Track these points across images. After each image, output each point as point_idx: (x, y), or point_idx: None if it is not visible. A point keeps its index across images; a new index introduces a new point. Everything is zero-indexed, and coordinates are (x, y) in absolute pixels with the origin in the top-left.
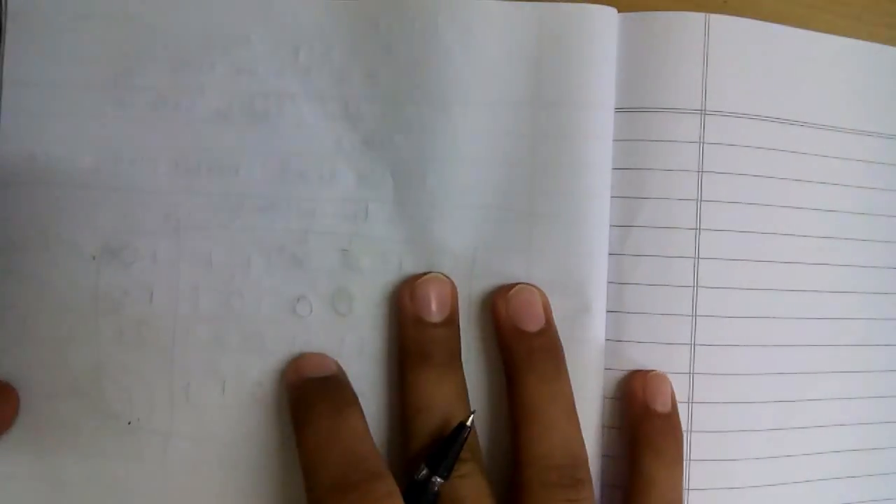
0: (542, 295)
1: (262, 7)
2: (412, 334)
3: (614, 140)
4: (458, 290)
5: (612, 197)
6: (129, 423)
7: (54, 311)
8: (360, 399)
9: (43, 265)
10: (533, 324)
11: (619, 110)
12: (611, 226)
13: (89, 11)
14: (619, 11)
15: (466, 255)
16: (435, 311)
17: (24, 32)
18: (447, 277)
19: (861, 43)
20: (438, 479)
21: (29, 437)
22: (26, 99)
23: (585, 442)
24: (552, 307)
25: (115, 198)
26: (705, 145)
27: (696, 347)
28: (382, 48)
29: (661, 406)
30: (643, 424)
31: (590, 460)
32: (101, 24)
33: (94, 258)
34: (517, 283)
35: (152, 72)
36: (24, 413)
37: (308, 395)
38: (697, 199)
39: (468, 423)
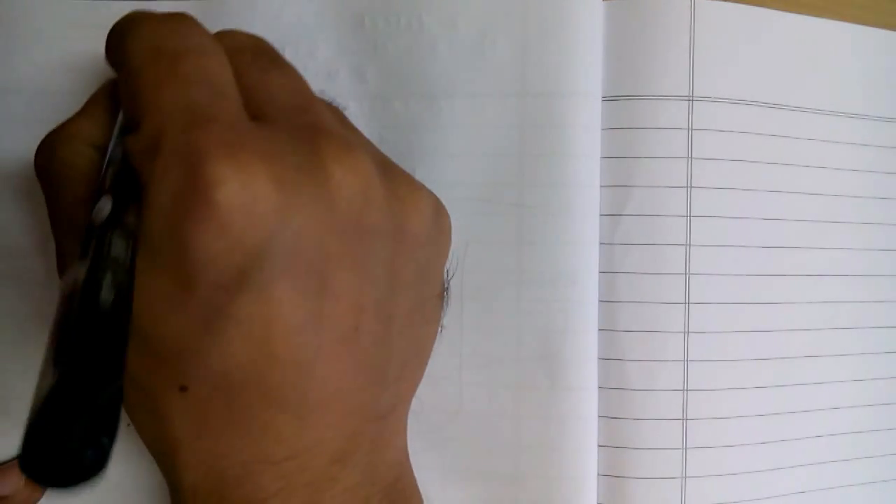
0: None
1: (246, 7)
2: None
3: (602, 129)
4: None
5: (601, 186)
6: (129, 425)
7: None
8: None
9: (41, 271)
10: None
11: (606, 98)
12: (601, 215)
13: (80, 21)
14: None
15: (458, 248)
16: None
17: (16, 41)
18: None
19: (848, 25)
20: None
21: None
22: (20, 106)
23: (582, 433)
24: (543, 298)
25: None
26: (694, 132)
27: (690, 335)
28: (368, 45)
29: None
30: None
31: (585, 451)
32: (93, 34)
33: None
34: None
35: None
36: (23, 419)
37: None
38: (687, 186)
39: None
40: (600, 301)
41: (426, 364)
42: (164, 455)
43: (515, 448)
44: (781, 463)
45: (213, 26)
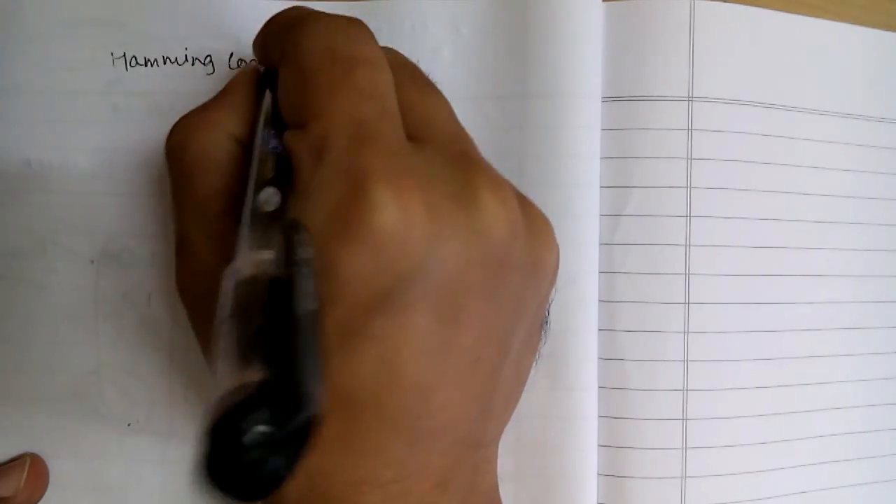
0: None
1: (251, 11)
2: None
3: (602, 129)
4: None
5: (601, 187)
6: (129, 425)
7: (54, 315)
8: None
9: (42, 271)
10: None
11: (606, 99)
12: (601, 215)
13: (78, 18)
14: (604, 0)
15: None
16: None
17: (14, 40)
18: None
19: (846, 26)
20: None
21: (29, 442)
22: (19, 106)
23: (582, 433)
24: None
25: (113, 202)
26: (693, 132)
27: (689, 335)
28: None
29: None
30: None
31: (585, 450)
32: (91, 30)
33: (92, 262)
34: None
35: (145, 77)
36: (24, 418)
37: None
38: (687, 187)
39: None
40: (600, 301)
41: (521, 394)
42: None
43: (515, 448)
44: (781, 463)
45: (213, 29)
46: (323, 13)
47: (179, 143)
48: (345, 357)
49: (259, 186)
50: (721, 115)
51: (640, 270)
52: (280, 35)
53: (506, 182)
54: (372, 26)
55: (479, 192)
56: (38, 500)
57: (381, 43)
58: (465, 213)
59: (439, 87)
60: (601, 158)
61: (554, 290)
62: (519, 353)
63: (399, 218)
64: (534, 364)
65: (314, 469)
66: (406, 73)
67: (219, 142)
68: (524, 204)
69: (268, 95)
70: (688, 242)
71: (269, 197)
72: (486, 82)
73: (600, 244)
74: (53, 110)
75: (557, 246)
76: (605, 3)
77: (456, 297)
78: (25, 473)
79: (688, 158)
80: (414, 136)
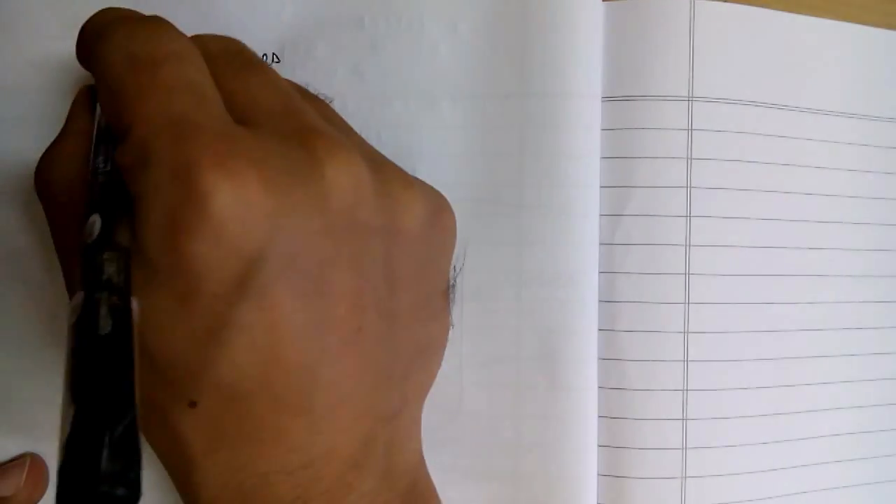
0: None
1: (245, 7)
2: None
3: (602, 129)
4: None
5: (601, 186)
6: None
7: (54, 315)
8: None
9: (42, 271)
10: None
11: (605, 99)
12: (601, 215)
13: (77, 19)
14: (603, 0)
15: (458, 249)
16: None
17: (14, 40)
18: None
19: (848, 25)
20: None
21: (29, 443)
22: (19, 106)
23: (582, 433)
24: (543, 298)
25: None
26: (693, 132)
27: (689, 335)
28: (368, 45)
29: None
30: None
31: (585, 451)
32: None
33: None
34: None
35: None
36: (24, 419)
37: None
38: (687, 186)
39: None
40: (600, 301)
41: (437, 363)
42: (180, 471)
43: (515, 448)
44: (782, 463)
45: (212, 27)
46: (120, 16)
47: (39, 182)
48: (218, 351)
49: (87, 215)
50: (721, 114)
51: (640, 270)
52: (87, 46)
53: (351, 146)
54: (367, 23)
55: (317, 161)
56: (39, 500)
57: (379, 41)
58: (304, 183)
59: (437, 85)
60: (601, 158)
61: (456, 254)
62: (413, 318)
63: (235, 199)
64: (448, 331)
65: (222, 466)
66: (220, 60)
67: (71, 171)
68: (379, 166)
69: (98, 112)
70: (688, 242)
71: (91, 227)
72: (484, 81)
73: (600, 244)
74: (53, 110)
75: (426, 206)
76: (605, 3)
77: (314, 270)
78: (25, 473)
79: (688, 158)
80: (242, 121)
